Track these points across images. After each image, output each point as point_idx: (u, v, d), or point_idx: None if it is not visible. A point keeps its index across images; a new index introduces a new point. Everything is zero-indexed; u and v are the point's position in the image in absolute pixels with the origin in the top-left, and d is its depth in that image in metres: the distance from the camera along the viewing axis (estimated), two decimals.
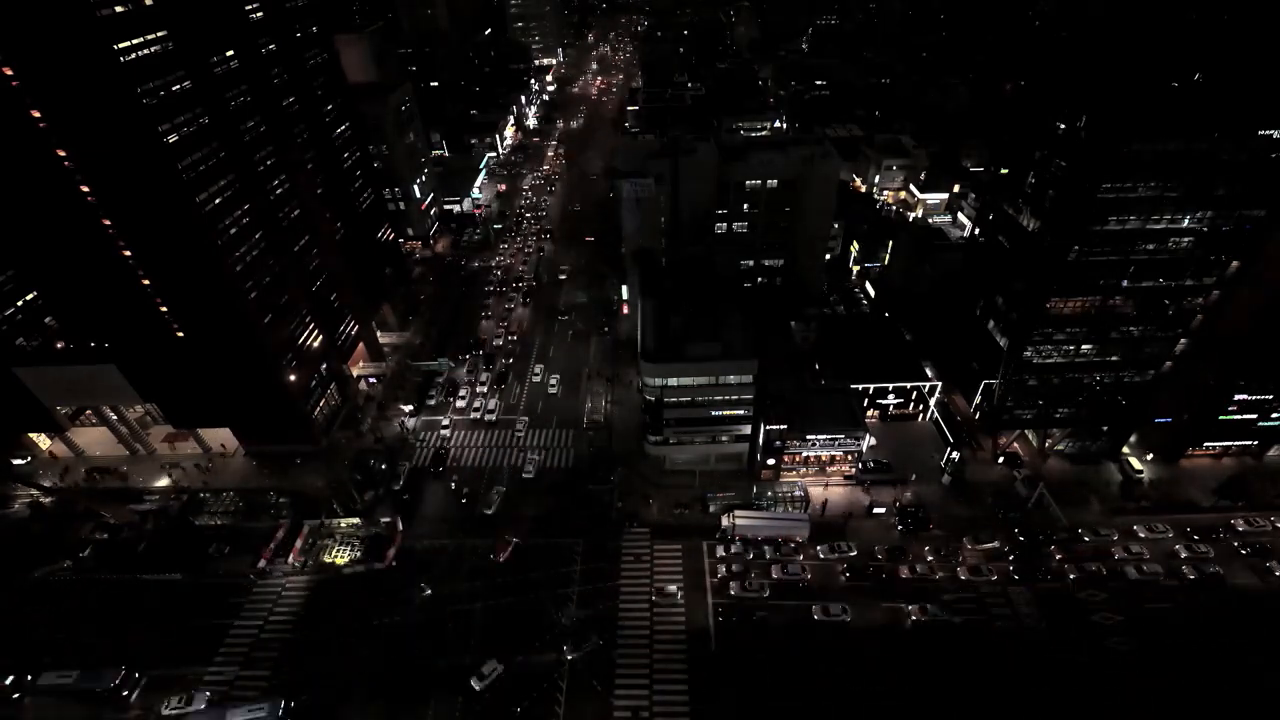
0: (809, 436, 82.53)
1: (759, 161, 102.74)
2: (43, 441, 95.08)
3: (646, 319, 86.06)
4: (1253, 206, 68.29)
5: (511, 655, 66.82)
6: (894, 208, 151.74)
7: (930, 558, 76.26)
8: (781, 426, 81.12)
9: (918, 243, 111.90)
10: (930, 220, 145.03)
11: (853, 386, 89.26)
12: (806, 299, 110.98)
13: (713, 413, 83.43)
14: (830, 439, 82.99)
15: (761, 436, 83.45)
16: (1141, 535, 78.79)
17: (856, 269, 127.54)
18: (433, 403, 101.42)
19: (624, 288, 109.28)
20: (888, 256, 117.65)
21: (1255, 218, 69.01)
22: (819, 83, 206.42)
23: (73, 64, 59.31)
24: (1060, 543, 77.35)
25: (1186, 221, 69.56)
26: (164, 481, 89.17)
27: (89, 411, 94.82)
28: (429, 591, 73.15)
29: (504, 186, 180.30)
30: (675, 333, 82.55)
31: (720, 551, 77.42)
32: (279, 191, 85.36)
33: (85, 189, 66.62)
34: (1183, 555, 76.26)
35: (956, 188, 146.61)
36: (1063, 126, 71.77)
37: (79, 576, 76.74)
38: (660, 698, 63.94)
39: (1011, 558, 75.89)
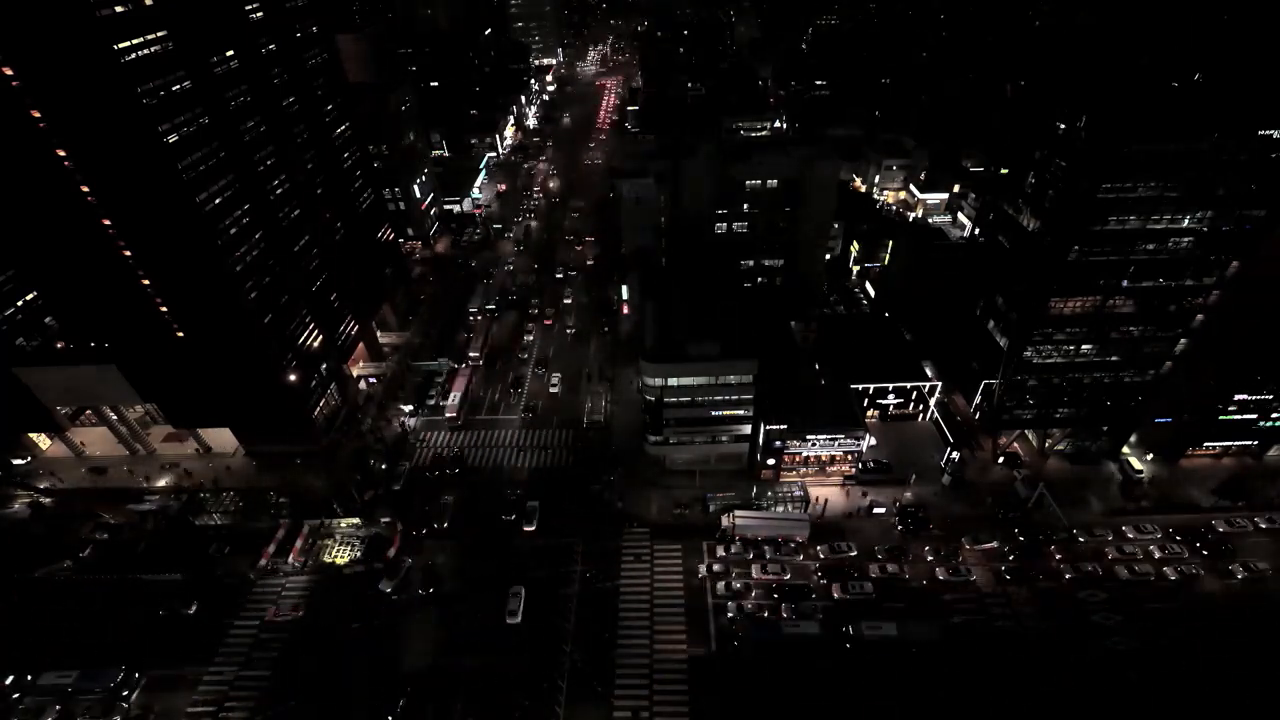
0: (809, 436, 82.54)
1: (759, 162, 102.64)
2: (43, 442, 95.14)
3: (646, 319, 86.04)
4: (1253, 206, 68.29)
5: None
6: (894, 208, 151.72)
7: (930, 558, 76.36)
8: (781, 426, 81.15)
9: (918, 243, 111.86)
10: (930, 220, 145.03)
11: (853, 386, 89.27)
12: (806, 299, 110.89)
13: (713, 413, 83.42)
14: (830, 439, 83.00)
15: (761, 436, 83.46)
16: (1130, 535, 79.02)
17: (856, 269, 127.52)
18: (433, 403, 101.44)
19: (624, 288, 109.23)
20: (888, 256, 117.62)
21: (1255, 218, 69.02)
22: (819, 83, 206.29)
23: (73, 64, 59.29)
24: (1059, 543, 77.52)
25: (1186, 221, 69.53)
26: (164, 481, 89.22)
27: (89, 411, 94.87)
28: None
29: (504, 186, 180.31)
30: (675, 333, 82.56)
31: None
32: (279, 191, 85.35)
33: (85, 189, 66.59)
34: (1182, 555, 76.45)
35: (956, 188, 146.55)
36: (1063, 126, 71.75)
37: (79, 576, 76.84)
38: (660, 698, 64.02)
39: (1011, 558, 75.98)
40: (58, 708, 63.64)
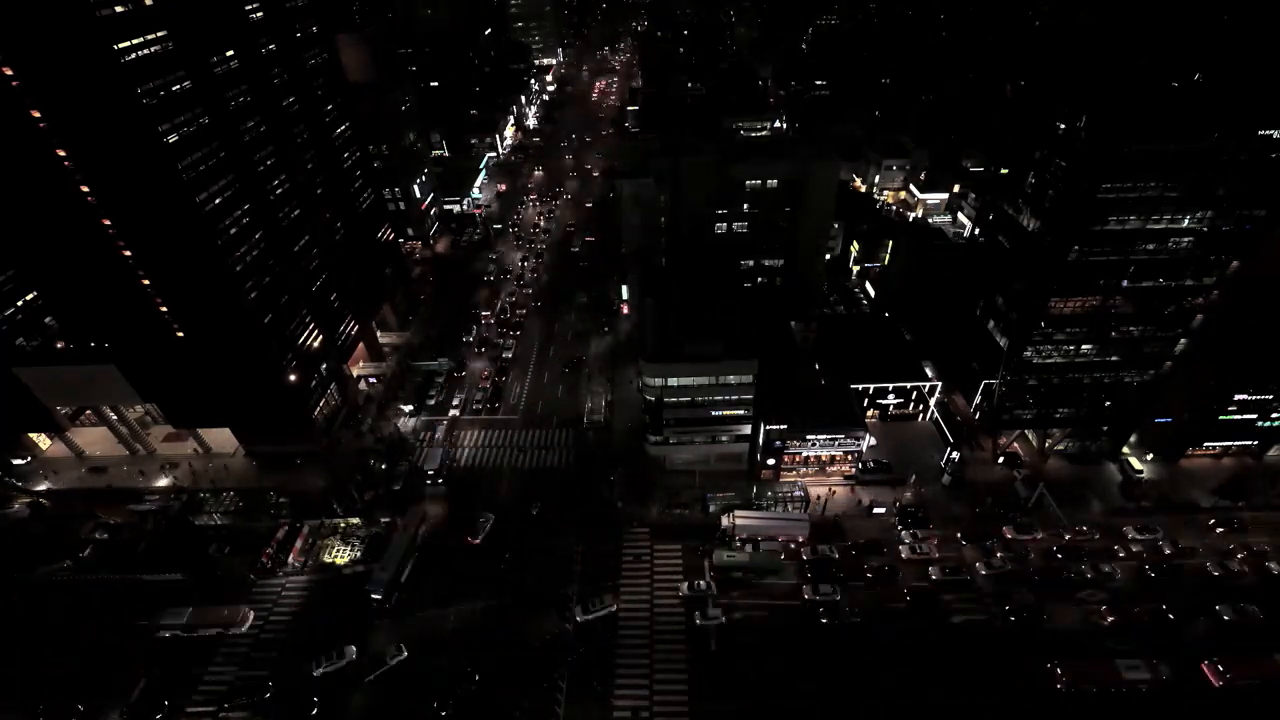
0: (809, 436, 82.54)
1: (759, 161, 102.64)
2: (43, 442, 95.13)
3: (646, 319, 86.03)
4: (1253, 206, 68.29)
5: None
6: (894, 208, 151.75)
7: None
8: (781, 426, 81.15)
9: (918, 243, 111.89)
10: (930, 220, 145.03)
11: (853, 386, 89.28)
12: (806, 299, 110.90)
13: (713, 413, 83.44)
14: (830, 439, 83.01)
15: (761, 436, 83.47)
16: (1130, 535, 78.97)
17: (856, 269, 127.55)
18: (433, 403, 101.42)
19: (624, 288, 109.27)
20: (888, 256, 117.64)
21: (1255, 217, 69.02)
22: (819, 83, 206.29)
23: (73, 64, 59.30)
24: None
25: (1186, 221, 69.53)
26: (164, 481, 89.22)
27: (89, 411, 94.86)
28: None
29: (504, 186, 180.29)
30: (675, 333, 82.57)
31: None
32: (279, 191, 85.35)
33: (85, 189, 66.59)
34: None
35: (956, 188, 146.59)
36: (1063, 126, 71.75)
37: (79, 576, 76.83)
38: (660, 697, 64.02)
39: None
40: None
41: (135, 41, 61.95)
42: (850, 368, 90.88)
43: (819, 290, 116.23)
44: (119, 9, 60.81)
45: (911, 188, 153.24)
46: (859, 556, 76.54)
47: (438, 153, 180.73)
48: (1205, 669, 64.69)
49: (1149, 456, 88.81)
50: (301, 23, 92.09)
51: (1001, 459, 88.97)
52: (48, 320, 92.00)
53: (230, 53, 76.17)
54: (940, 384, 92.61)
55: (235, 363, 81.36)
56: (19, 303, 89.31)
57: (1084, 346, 79.44)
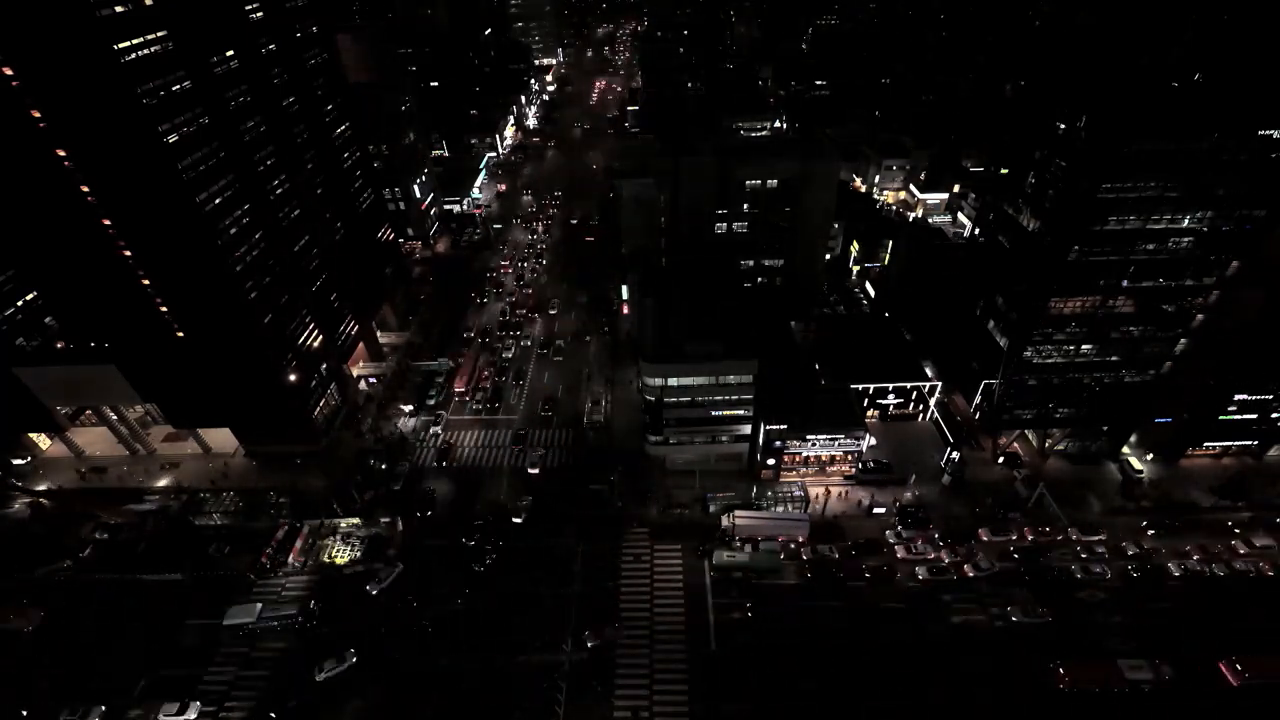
0: (809, 436, 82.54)
1: (759, 161, 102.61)
2: (43, 442, 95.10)
3: (646, 319, 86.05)
4: (1253, 206, 68.29)
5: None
6: (894, 208, 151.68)
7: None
8: (781, 426, 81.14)
9: (918, 243, 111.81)
10: (930, 220, 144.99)
11: (853, 386, 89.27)
12: (806, 299, 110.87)
13: (713, 413, 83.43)
14: (830, 439, 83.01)
15: (761, 436, 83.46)
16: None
17: (856, 269, 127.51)
18: (432, 402, 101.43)
19: (624, 288, 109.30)
20: (888, 256, 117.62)
21: (1255, 217, 69.01)
22: (819, 83, 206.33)
23: (73, 64, 59.32)
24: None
25: (1186, 221, 69.53)
26: (164, 481, 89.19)
27: (89, 411, 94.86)
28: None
29: (504, 186, 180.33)
30: (675, 333, 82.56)
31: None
32: (279, 191, 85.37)
33: (85, 189, 66.62)
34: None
35: (956, 188, 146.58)
36: (1063, 126, 71.77)
37: (79, 576, 76.78)
38: (660, 697, 64.01)
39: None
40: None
41: (135, 41, 61.97)
42: (850, 368, 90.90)
43: (819, 290, 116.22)
44: (119, 9, 60.85)
45: (911, 188, 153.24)
46: (858, 557, 76.55)
47: (438, 153, 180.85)
48: (1223, 668, 64.55)
49: (1149, 456, 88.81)
50: (301, 23, 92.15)
51: (1001, 459, 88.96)
52: (48, 320, 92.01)
53: (230, 53, 76.21)
54: (940, 384, 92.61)
55: (235, 363, 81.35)
56: (19, 303, 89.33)
57: (1084, 346, 79.44)
